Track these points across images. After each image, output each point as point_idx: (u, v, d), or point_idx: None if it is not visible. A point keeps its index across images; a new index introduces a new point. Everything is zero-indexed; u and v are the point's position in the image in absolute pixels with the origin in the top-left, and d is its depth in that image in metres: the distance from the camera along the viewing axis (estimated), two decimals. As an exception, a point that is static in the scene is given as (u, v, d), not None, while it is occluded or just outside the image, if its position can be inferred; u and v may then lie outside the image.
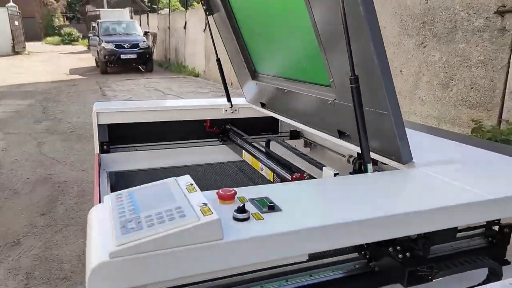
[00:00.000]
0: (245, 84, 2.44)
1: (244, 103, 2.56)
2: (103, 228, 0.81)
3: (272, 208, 0.91)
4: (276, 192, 1.00)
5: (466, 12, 5.11)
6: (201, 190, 0.90)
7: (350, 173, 2.05)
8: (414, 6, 5.84)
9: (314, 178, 1.64)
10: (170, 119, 2.40)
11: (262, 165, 2.01)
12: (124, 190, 0.95)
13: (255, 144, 2.10)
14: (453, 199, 1.01)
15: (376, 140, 1.30)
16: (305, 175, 1.59)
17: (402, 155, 1.25)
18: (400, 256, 1.07)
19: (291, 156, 1.94)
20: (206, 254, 0.76)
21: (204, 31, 15.48)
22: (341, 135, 1.58)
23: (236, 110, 2.52)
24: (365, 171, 1.24)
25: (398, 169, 1.28)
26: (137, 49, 16.86)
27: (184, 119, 2.43)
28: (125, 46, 16.73)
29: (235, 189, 0.93)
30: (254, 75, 2.24)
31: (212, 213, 0.78)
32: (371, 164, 1.23)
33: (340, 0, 1.10)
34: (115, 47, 16.58)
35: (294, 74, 1.77)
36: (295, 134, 2.72)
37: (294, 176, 1.58)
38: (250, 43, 2.11)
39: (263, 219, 0.86)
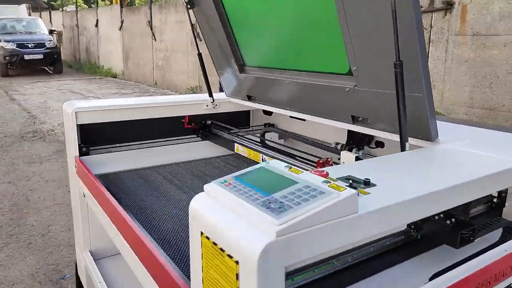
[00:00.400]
0: (227, 78, 2.43)
1: (224, 98, 2.54)
2: (235, 212, 0.79)
3: (368, 184, 0.96)
4: (352, 171, 1.05)
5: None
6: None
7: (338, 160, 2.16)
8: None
9: (338, 163, 1.70)
10: (153, 116, 2.29)
11: (264, 156, 2.03)
12: (225, 177, 0.92)
13: (250, 137, 2.10)
14: (492, 167, 1.14)
15: (415, 122, 1.41)
16: (329, 159, 1.65)
17: (432, 133, 1.37)
18: (448, 222, 1.19)
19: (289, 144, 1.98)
20: (344, 228, 0.79)
21: (120, 29, 14.76)
22: (355, 120, 1.67)
23: (216, 105, 2.49)
24: (403, 149, 1.35)
25: (422, 146, 1.40)
26: (43, 49, 15.47)
27: (167, 115, 2.34)
28: (29, 45, 15.25)
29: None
30: (242, 68, 2.25)
31: (345, 188, 0.81)
32: (408, 143, 1.34)
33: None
34: (16, 47, 15.04)
35: (300, 64, 1.82)
36: (270, 127, 2.77)
37: (320, 161, 1.64)
38: (240, 36, 2.11)
39: (370, 193, 0.90)
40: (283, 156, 1.90)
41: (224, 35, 2.15)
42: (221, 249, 0.78)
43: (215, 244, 0.80)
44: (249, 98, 2.32)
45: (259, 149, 2.04)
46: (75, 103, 2.13)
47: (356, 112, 1.63)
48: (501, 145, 1.39)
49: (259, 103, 2.24)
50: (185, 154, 2.46)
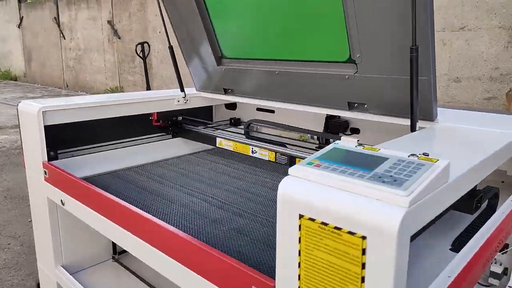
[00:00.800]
0: (199, 72, 2.35)
1: (194, 93, 2.47)
2: (346, 190, 0.79)
3: (427, 154, 1.02)
4: (399, 146, 1.11)
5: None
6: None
7: (317, 148, 2.24)
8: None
9: None
10: (124, 114, 2.14)
11: (253, 148, 2.01)
12: (307, 159, 0.90)
13: (233, 130, 2.06)
14: (500, 141, 1.29)
15: (404, 102, 1.51)
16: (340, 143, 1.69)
17: (434, 114, 1.50)
18: None
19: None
20: (442, 195, 0.84)
21: (19, 27, 13.34)
22: (351, 107, 1.75)
23: (187, 100, 2.41)
24: (413, 130, 1.45)
25: (424, 127, 1.52)
26: None
27: (138, 113, 2.21)
28: None
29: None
30: (220, 61, 2.19)
31: (438, 159, 0.85)
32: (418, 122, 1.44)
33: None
34: None
35: (291, 54, 1.84)
36: (236, 121, 2.76)
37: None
38: (220, 27, 2.06)
39: (438, 160, 0.95)
40: (274, 146, 1.91)
41: (202, 27, 2.09)
42: (335, 227, 0.77)
43: (324, 224, 0.79)
44: (226, 91, 2.29)
45: (247, 142, 2.02)
46: (39, 102, 1.90)
47: (354, 99, 1.71)
48: (486, 122, 1.57)
49: (239, 96, 2.21)
50: (159, 153, 2.34)
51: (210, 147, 2.47)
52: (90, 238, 2.13)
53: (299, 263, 0.85)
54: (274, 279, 0.92)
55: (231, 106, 2.75)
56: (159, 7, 2.17)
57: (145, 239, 1.32)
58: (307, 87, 1.85)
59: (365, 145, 0.96)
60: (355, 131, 2.22)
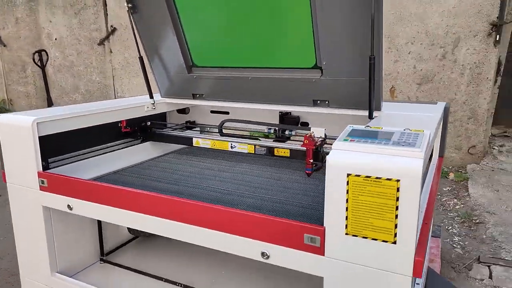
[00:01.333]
0: (166, 80, 2.56)
1: (159, 99, 2.66)
2: (378, 154, 1.21)
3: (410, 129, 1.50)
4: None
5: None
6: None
7: (275, 140, 2.64)
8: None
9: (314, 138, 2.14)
10: (103, 122, 2.26)
11: (232, 143, 2.32)
12: (341, 138, 1.29)
13: (190, 132, 2.34)
14: (429, 122, 1.85)
15: (363, 98, 2.00)
16: (307, 135, 2.07)
17: (381, 105, 2.01)
18: None
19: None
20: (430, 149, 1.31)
21: None
22: (315, 103, 2.18)
23: (155, 107, 2.60)
24: (371, 117, 1.94)
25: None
26: None
27: (111, 121, 2.33)
28: None
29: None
30: (190, 69, 2.44)
31: (423, 130, 1.32)
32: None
33: (372, 5, 1.72)
34: None
35: (263, 62, 2.19)
36: (192, 124, 3.02)
37: (307, 136, 2.04)
38: (193, 39, 2.31)
39: (423, 130, 1.42)
40: (252, 140, 2.26)
41: (174, 38, 2.32)
42: (377, 178, 1.18)
43: (368, 177, 1.19)
44: (194, 96, 2.54)
45: (223, 139, 2.32)
46: (30, 114, 1.95)
47: (318, 97, 2.15)
48: (415, 109, 2.15)
49: (210, 100, 2.49)
50: (137, 157, 2.50)
51: (179, 147, 2.69)
52: (78, 243, 2.21)
53: (347, 208, 1.24)
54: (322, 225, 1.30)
55: (183, 110, 2.99)
56: (131, 22, 2.34)
57: (184, 220, 1.57)
58: (277, 89, 2.23)
59: (371, 126, 1.39)
60: (305, 124, 2.68)
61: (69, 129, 2.06)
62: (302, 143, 1.90)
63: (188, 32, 2.30)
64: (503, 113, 6.23)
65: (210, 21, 2.21)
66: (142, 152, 2.57)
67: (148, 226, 1.67)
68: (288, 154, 2.19)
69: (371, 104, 1.90)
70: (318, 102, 2.18)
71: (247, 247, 1.45)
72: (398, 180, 1.16)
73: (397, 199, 1.17)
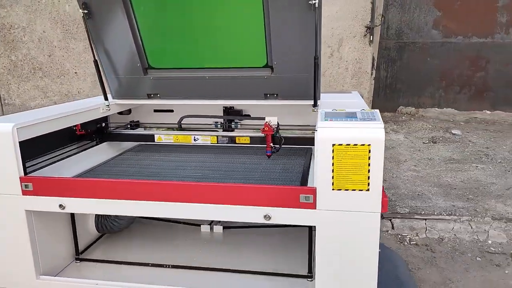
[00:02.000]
0: (118, 82, 2.66)
1: (110, 101, 2.76)
2: (352, 128, 1.67)
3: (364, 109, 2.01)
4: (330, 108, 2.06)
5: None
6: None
7: (224, 130, 2.95)
8: (75, 13, 6.37)
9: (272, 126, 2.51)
10: (66, 126, 2.32)
11: (195, 136, 2.59)
12: (321, 119, 1.71)
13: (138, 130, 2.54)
14: (356, 106, 2.41)
15: (306, 91, 2.46)
16: (267, 122, 2.43)
17: (320, 96, 2.50)
18: None
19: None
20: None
21: None
22: (266, 96, 2.58)
23: (109, 108, 2.71)
24: (315, 105, 2.41)
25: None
26: None
27: (70, 125, 2.40)
28: None
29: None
30: (146, 71, 2.60)
31: (372, 110, 1.81)
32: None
33: (313, 16, 2.17)
34: None
35: (217, 63, 2.49)
36: (136, 124, 3.16)
37: (266, 123, 2.40)
38: (149, 42, 2.48)
39: (373, 110, 1.96)
40: (212, 132, 2.57)
41: (130, 42, 2.48)
42: (354, 144, 1.64)
43: (347, 145, 1.65)
44: (149, 96, 2.72)
45: (186, 133, 2.57)
46: (5, 120, 1.96)
47: (268, 91, 2.56)
48: (346, 97, 2.71)
49: (165, 99, 2.69)
50: (99, 157, 2.58)
51: (131, 145, 2.84)
52: (55, 245, 2.25)
53: (333, 170, 1.68)
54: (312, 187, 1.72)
55: (126, 111, 3.12)
56: (86, 27, 2.42)
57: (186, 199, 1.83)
58: (232, 86, 2.57)
59: (337, 109, 1.86)
60: (247, 115, 3.07)
61: (42, 133, 2.10)
62: (257, 131, 2.32)
63: (145, 36, 2.49)
64: (376, 101, 7.49)
65: (167, 24, 2.43)
66: (102, 152, 2.66)
67: (154, 211, 1.89)
68: (248, 141, 2.56)
69: (316, 95, 2.38)
70: (268, 95, 2.59)
71: (252, 213, 1.79)
72: (369, 145, 1.63)
73: (369, 158, 1.64)
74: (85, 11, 2.37)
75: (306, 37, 2.29)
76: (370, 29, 5.97)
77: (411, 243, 3.60)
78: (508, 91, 7.84)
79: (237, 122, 2.93)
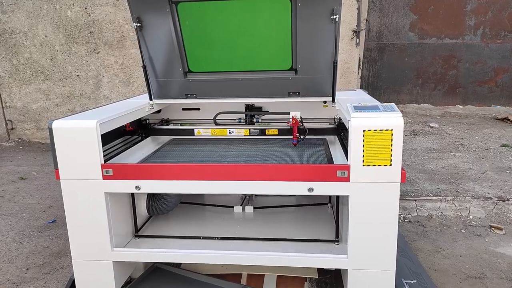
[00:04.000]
0: (160, 84, 3.06)
1: (152, 101, 3.15)
2: (377, 118, 2.17)
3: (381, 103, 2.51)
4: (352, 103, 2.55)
5: (129, 25, 6.61)
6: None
7: (246, 124, 3.40)
8: (77, 18, 6.63)
9: (297, 119, 2.97)
10: (122, 124, 2.71)
11: (230, 129, 3.02)
12: (350, 110, 2.19)
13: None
14: (371, 99, 2.91)
15: (326, 89, 2.94)
16: (294, 117, 2.88)
17: (336, 94, 2.98)
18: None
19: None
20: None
21: None
22: (289, 95, 3.03)
23: (153, 107, 3.10)
24: (334, 101, 2.90)
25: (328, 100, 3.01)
26: None
27: (122, 124, 2.78)
28: None
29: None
30: (186, 74, 3.01)
31: (392, 103, 2.31)
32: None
33: (334, 29, 2.65)
34: None
35: (248, 66, 2.94)
36: (166, 121, 3.57)
37: (293, 116, 2.85)
38: (190, 49, 2.91)
39: (392, 103, 2.46)
40: (244, 125, 3.01)
41: (175, 49, 2.89)
42: (380, 130, 2.13)
43: (375, 130, 2.13)
44: (187, 96, 3.13)
45: (223, 127, 3.00)
46: (87, 117, 2.35)
47: (292, 90, 3.02)
48: (350, 94, 3.20)
49: (201, 99, 3.11)
50: (147, 148, 2.98)
51: (189, 136, 3.25)
52: (121, 223, 2.64)
53: (363, 150, 2.17)
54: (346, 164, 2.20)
55: (157, 110, 3.52)
56: (138, 40, 2.82)
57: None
58: (260, 86, 3.02)
59: (361, 103, 2.34)
60: (266, 111, 3.53)
61: (113, 128, 2.49)
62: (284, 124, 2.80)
63: (187, 44, 2.91)
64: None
65: (207, 34, 2.86)
66: (149, 145, 3.05)
67: (219, 188, 2.31)
68: (277, 132, 3.02)
69: (334, 93, 2.87)
70: (291, 94, 3.05)
71: (299, 187, 2.25)
72: (391, 130, 2.12)
73: (391, 140, 2.14)
74: (138, 24, 2.76)
75: (326, 45, 2.77)
76: (356, 33, 6.53)
77: (405, 220, 4.16)
78: (477, 88, 8.61)
79: (257, 118, 3.38)
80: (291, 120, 2.87)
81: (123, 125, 2.87)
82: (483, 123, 7.62)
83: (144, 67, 2.94)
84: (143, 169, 2.33)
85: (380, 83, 8.77)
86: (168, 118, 3.58)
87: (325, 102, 3.28)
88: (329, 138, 3.23)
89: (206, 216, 3.09)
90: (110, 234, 2.45)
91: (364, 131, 2.13)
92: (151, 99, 3.06)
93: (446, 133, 6.91)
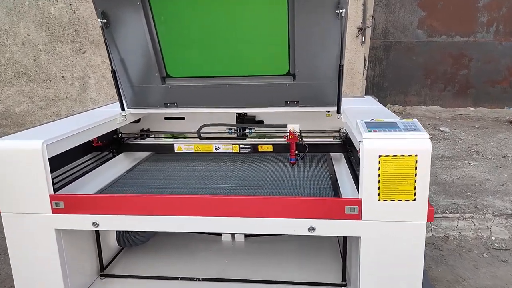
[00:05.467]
0: (134, 91, 2.59)
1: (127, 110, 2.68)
2: (397, 139, 1.69)
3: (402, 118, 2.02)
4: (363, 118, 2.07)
5: (117, 22, 6.13)
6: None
7: (236, 138, 2.92)
8: (61, 15, 6.17)
9: (296, 133, 2.49)
10: (86, 140, 2.25)
11: (216, 145, 2.55)
12: (361, 131, 1.71)
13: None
14: (384, 110, 2.43)
15: (329, 97, 2.47)
16: (291, 130, 2.41)
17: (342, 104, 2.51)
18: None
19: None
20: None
21: None
22: (286, 104, 2.56)
23: (126, 118, 2.63)
24: (339, 112, 2.42)
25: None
26: None
27: (91, 138, 2.32)
28: None
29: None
30: (164, 80, 2.53)
31: (413, 119, 1.83)
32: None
33: (339, 25, 2.18)
34: None
35: (238, 71, 2.46)
36: (146, 133, 3.10)
37: (291, 131, 2.38)
38: (168, 50, 2.43)
39: (413, 119, 1.98)
40: (233, 140, 2.54)
41: (148, 51, 2.42)
42: (401, 155, 1.65)
43: (394, 156, 1.66)
44: (166, 105, 2.66)
45: (206, 142, 2.53)
46: (38, 135, 1.88)
47: (290, 98, 2.54)
48: (361, 102, 2.73)
49: (182, 108, 2.63)
50: (117, 168, 2.51)
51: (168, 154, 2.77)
52: (80, 262, 2.18)
53: (379, 180, 1.69)
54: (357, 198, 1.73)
55: (135, 120, 3.05)
56: (104, 38, 2.35)
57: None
58: (252, 94, 2.54)
59: (374, 119, 1.87)
60: (260, 122, 3.06)
61: (68, 148, 2.03)
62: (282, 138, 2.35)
63: (164, 45, 2.43)
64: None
65: (187, 32, 2.38)
66: (120, 163, 2.58)
67: (195, 225, 1.85)
68: (271, 149, 2.54)
69: (340, 102, 2.39)
70: (289, 103, 2.58)
71: (296, 226, 1.78)
72: (416, 155, 1.65)
73: (415, 168, 1.66)
74: (103, 21, 2.29)
75: (330, 45, 2.29)
76: (362, 30, 6.04)
77: (419, 242, 3.68)
78: (489, 88, 8.11)
79: (251, 129, 2.91)
80: (288, 135, 2.40)
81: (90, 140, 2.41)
82: (496, 126, 7.13)
83: (114, 72, 2.47)
84: (102, 201, 1.87)
85: (386, 84, 8.27)
86: (149, 129, 3.11)
87: (328, 111, 2.81)
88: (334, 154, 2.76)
89: (189, 247, 2.62)
90: (64, 277, 1.99)
91: (380, 156, 1.66)
92: (123, 109, 2.59)
93: (458, 138, 6.42)
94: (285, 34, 2.31)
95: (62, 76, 6.41)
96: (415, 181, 1.67)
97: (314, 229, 1.77)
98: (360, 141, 1.71)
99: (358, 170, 2.09)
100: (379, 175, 1.68)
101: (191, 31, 2.37)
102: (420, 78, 8.20)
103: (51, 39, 6.27)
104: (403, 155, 1.66)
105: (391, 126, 1.76)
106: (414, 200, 1.69)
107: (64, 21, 6.19)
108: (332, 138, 2.84)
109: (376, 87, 8.24)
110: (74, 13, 6.16)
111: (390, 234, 1.74)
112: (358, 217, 1.74)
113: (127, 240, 2.46)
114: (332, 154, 2.75)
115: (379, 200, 1.71)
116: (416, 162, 1.66)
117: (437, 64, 8.11)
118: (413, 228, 1.71)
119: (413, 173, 1.67)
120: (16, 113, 6.63)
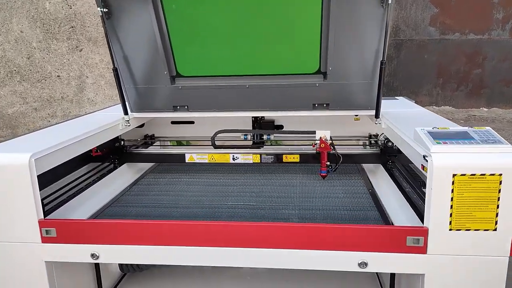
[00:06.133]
0: (139, 92, 2.25)
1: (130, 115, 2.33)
2: (475, 153, 1.35)
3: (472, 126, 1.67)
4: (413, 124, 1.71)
5: (116, 18, 5.77)
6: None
7: (252, 145, 2.56)
8: (56, 11, 5.81)
9: (328, 141, 2.14)
10: (85, 150, 1.90)
11: (234, 155, 2.20)
12: (427, 144, 1.37)
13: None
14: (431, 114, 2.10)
15: (367, 100, 2.12)
16: (322, 137, 2.07)
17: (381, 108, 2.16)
18: None
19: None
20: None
21: None
22: (314, 107, 2.21)
23: (129, 124, 2.28)
24: (377, 116, 2.08)
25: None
26: None
27: (91, 147, 1.98)
28: None
29: None
30: (174, 79, 2.18)
31: (485, 127, 1.49)
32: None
33: (383, 15, 1.84)
34: None
35: (261, 69, 2.11)
36: (151, 139, 2.75)
37: (322, 139, 2.04)
38: (179, 46, 2.08)
39: (486, 127, 1.61)
40: (253, 149, 2.19)
41: (156, 47, 2.07)
42: (481, 174, 1.31)
43: (472, 175, 1.31)
44: (175, 108, 2.31)
45: (222, 151, 2.18)
46: (25, 148, 1.53)
47: (318, 101, 2.20)
48: (398, 105, 2.38)
49: (194, 111, 2.28)
50: (119, 181, 2.16)
51: (179, 163, 2.41)
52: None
53: (451, 206, 1.35)
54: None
55: (140, 126, 2.69)
56: (105, 30, 2.00)
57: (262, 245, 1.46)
58: (275, 96, 2.20)
59: (437, 127, 1.52)
60: (280, 127, 2.71)
61: (60, 162, 1.67)
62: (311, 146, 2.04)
63: (174, 39, 2.08)
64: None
65: (201, 24, 2.03)
66: (123, 176, 2.23)
67: (218, 258, 1.50)
68: (298, 160, 2.19)
69: (379, 105, 2.05)
70: (317, 105, 2.23)
71: (343, 260, 1.43)
72: (500, 174, 1.31)
73: (499, 191, 1.32)
74: (104, 10, 1.94)
75: (370, 39, 1.95)
76: (375, 27, 5.69)
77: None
78: (504, 88, 7.77)
79: (269, 134, 2.56)
80: (319, 143, 2.05)
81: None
82: (513, 128, 6.80)
83: (116, 70, 2.12)
84: (102, 228, 1.51)
85: (396, 83, 7.92)
86: (153, 135, 2.77)
87: (356, 114, 2.47)
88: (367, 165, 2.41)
89: (202, 274, 2.27)
90: None
91: (454, 175, 1.31)
92: (126, 113, 2.24)
93: (477, 140, 6.07)
94: (318, 26, 1.96)
95: (58, 76, 6.05)
96: (497, 207, 1.33)
97: (366, 264, 1.43)
98: (425, 156, 1.37)
99: (406, 186, 1.76)
100: (451, 199, 1.34)
101: (206, 22, 2.02)
102: (432, 78, 7.86)
103: (46, 36, 5.90)
104: (483, 174, 1.31)
105: (463, 137, 1.42)
106: (495, 230, 1.35)
107: (60, 17, 5.83)
108: (362, 146, 2.50)
109: (386, 87, 7.88)
110: (71, 8, 5.80)
111: (462, 272, 1.39)
112: (423, 250, 1.39)
113: (130, 265, 2.11)
114: (364, 165, 2.41)
115: (450, 229, 1.36)
116: (500, 183, 1.31)
117: (450, 62, 7.76)
118: (492, 264, 1.37)
119: (495, 196, 1.32)
120: (9, 114, 6.26)
